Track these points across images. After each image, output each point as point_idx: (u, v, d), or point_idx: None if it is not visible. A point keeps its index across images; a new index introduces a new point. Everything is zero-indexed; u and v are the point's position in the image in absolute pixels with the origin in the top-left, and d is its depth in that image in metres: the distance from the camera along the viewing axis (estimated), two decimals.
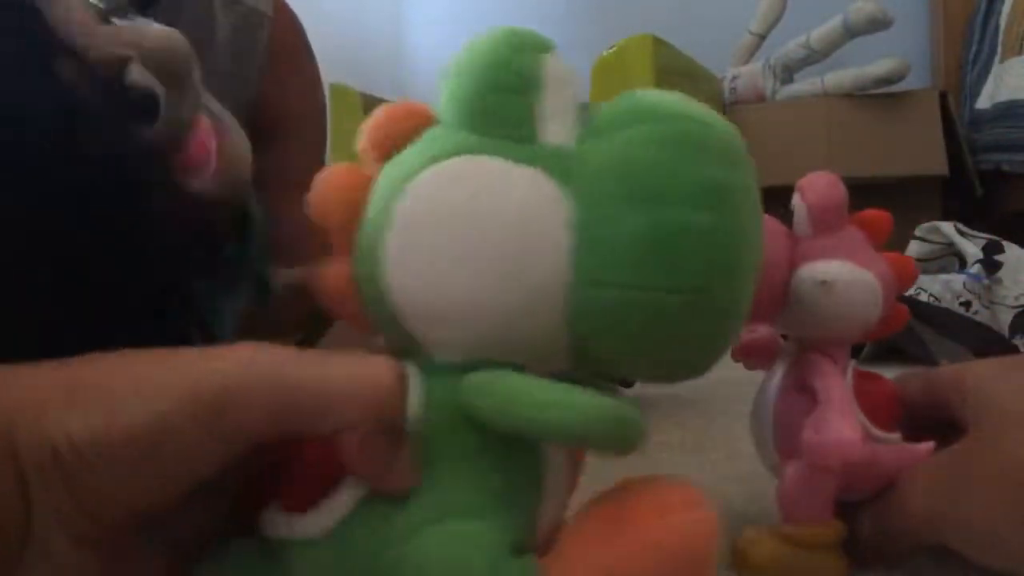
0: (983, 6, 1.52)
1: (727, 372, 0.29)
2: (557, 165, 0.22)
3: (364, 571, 0.20)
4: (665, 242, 0.21)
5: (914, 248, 1.07)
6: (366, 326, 0.24)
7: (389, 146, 0.23)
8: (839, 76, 1.42)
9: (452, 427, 0.21)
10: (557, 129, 0.22)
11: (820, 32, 1.46)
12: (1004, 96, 1.38)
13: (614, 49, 1.33)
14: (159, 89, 0.32)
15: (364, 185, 0.23)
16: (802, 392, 0.32)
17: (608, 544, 0.20)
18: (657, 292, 0.21)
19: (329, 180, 0.24)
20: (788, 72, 1.53)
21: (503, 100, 0.22)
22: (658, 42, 1.31)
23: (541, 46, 0.23)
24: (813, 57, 1.49)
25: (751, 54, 1.61)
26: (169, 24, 0.34)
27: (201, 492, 0.20)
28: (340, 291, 0.23)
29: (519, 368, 0.22)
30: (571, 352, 0.22)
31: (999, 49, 1.44)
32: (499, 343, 0.22)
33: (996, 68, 1.43)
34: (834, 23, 1.44)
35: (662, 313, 0.21)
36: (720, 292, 0.21)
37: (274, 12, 0.63)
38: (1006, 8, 1.44)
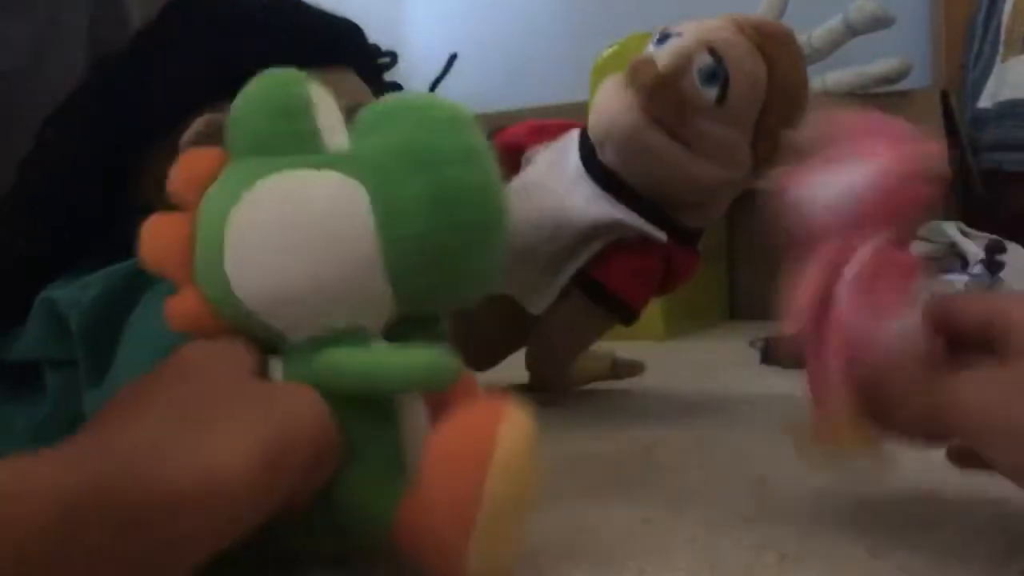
0: (984, 5, 1.51)
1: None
2: (344, 163, 0.28)
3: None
4: (444, 195, 0.27)
5: (916, 248, 1.06)
6: (228, 334, 0.29)
7: (199, 188, 0.29)
8: (840, 75, 1.42)
9: None
10: (334, 138, 0.29)
11: (821, 31, 1.46)
12: (1006, 95, 1.38)
13: (614, 48, 1.33)
14: None
15: (187, 225, 0.29)
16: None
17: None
18: (444, 233, 0.27)
19: (157, 229, 0.30)
20: None
21: (290, 125, 0.29)
22: None
23: (301, 77, 0.29)
24: (814, 56, 1.49)
25: None
26: None
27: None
28: (198, 315, 0.29)
29: (362, 330, 0.29)
30: (395, 301, 0.29)
31: (1001, 48, 1.43)
32: (340, 309, 0.28)
33: (998, 67, 1.43)
34: (835, 22, 1.43)
35: (451, 250, 0.28)
36: (492, 227, 0.29)
37: None
38: (1008, 7, 1.43)
